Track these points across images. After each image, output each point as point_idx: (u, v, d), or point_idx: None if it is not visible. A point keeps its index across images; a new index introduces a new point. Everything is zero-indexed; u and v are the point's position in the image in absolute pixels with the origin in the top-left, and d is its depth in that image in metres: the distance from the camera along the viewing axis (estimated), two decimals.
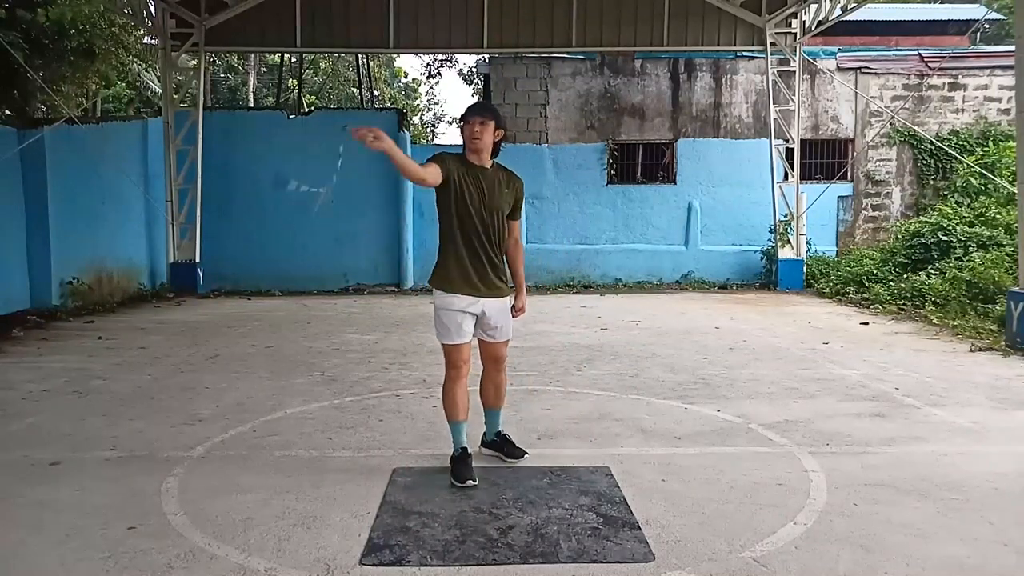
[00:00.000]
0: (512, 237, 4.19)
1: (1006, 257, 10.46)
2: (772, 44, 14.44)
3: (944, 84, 16.12)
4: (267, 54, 26.46)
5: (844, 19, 13.48)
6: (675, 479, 4.04)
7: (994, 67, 16.01)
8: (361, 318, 10.93)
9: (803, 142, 15.26)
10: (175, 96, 14.79)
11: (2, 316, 9.79)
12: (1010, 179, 12.11)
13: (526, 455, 4.30)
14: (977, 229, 11.95)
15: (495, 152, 4.00)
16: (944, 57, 15.80)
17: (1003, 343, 7.84)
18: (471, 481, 3.88)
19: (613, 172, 16.24)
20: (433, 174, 3.80)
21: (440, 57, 30.96)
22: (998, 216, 12.26)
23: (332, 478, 4.07)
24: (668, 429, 5.01)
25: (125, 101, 21.80)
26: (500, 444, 4.35)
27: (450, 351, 4.02)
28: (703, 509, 3.61)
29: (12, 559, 3.15)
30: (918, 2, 22.87)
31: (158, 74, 17.30)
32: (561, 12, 14.51)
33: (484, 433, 4.42)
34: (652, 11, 14.51)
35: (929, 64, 16.04)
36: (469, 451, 4.09)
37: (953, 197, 14.83)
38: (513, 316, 4.20)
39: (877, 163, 16.39)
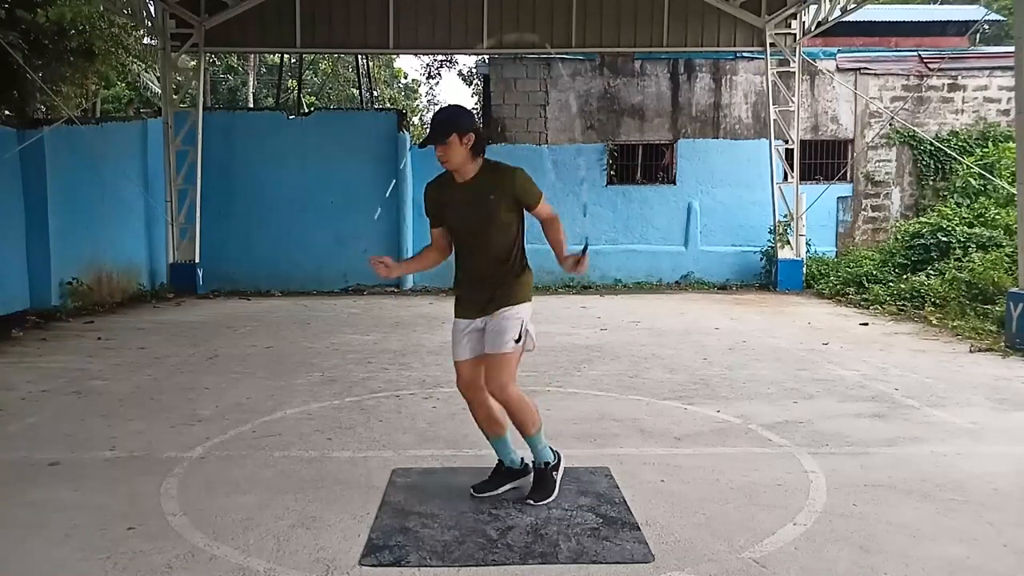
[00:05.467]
0: (541, 220, 3.96)
1: (1005, 258, 10.44)
2: (772, 45, 14.44)
3: (943, 85, 16.11)
4: (267, 54, 26.46)
5: (844, 20, 13.46)
6: (675, 480, 4.04)
7: (993, 68, 16.00)
8: (361, 319, 10.92)
9: (803, 143, 15.24)
10: (175, 96, 14.77)
11: (2, 316, 9.77)
12: (1009, 180, 12.11)
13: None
14: (976, 230, 11.93)
15: (480, 151, 3.69)
16: (943, 58, 15.79)
17: (1003, 344, 7.83)
18: (482, 494, 3.75)
19: (613, 173, 16.23)
20: (442, 237, 3.85)
21: (440, 57, 30.95)
22: (997, 217, 12.26)
23: (332, 478, 4.07)
24: (668, 430, 5.01)
25: (125, 101, 21.79)
26: (516, 474, 3.86)
27: (455, 366, 3.79)
28: (703, 510, 3.62)
29: (12, 559, 3.15)
30: (918, 2, 22.88)
31: (158, 74, 17.29)
32: (561, 12, 14.50)
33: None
34: (652, 11, 14.51)
35: (928, 65, 16.03)
36: (502, 464, 3.85)
37: (953, 198, 14.82)
38: (576, 269, 3.85)
39: (877, 164, 16.38)
